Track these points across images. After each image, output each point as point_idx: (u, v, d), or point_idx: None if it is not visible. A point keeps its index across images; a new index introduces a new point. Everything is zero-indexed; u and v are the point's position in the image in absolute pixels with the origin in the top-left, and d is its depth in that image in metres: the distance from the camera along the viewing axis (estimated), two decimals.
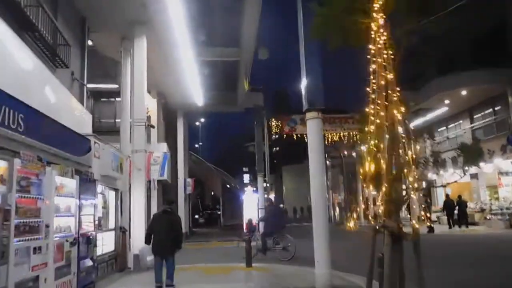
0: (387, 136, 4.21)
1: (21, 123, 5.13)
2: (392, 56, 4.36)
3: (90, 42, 11.72)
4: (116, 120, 14.81)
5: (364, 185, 4.66)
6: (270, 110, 22.58)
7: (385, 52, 4.35)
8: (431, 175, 26.32)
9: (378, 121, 4.22)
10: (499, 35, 18.92)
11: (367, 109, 4.40)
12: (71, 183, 6.53)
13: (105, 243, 9.12)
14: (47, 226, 5.59)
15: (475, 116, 22.61)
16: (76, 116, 8.65)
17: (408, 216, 18.96)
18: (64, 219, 6.35)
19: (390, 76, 4.27)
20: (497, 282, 7.29)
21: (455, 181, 19.20)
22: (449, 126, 25.29)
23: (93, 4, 9.95)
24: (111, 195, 9.76)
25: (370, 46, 4.43)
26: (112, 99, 16.04)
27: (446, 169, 24.40)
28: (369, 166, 4.36)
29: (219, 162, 47.57)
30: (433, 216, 24.19)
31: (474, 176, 22.83)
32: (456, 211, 20.34)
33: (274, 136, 30.91)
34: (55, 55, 7.84)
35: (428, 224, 18.42)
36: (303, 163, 56.33)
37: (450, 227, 20.10)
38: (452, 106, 21.75)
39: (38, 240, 5.34)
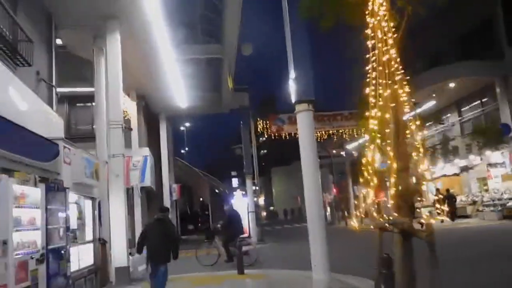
0: (390, 120, 3.67)
1: None
2: (394, 29, 3.80)
3: (59, 41, 10.96)
4: (94, 126, 13.98)
5: (367, 179, 4.07)
6: (256, 110, 21.95)
7: (385, 25, 3.79)
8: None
9: (380, 103, 3.65)
10: (485, 28, 18.81)
11: (367, 90, 3.83)
12: (35, 193, 5.78)
13: (82, 257, 8.35)
14: (4, 242, 4.84)
15: (462, 109, 22.45)
16: (43, 119, 7.86)
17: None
18: (28, 233, 5.59)
19: (392, 51, 3.71)
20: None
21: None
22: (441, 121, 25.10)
23: None
24: (87, 204, 8.99)
25: (369, 20, 3.87)
26: (89, 104, 15.21)
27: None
28: (373, 156, 3.79)
29: (206, 167, 46.81)
30: (425, 211, 23.97)
31: (464, 169, 22.66)
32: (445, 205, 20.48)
33: (261, 138, 30.30)
34: (15, 52, 7.08)
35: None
36: (291, 164, 56.15)
37: (441, 221, 20.04)
38: (439, 99, 21.53)
39: None
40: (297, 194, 55.68)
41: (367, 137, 3.90)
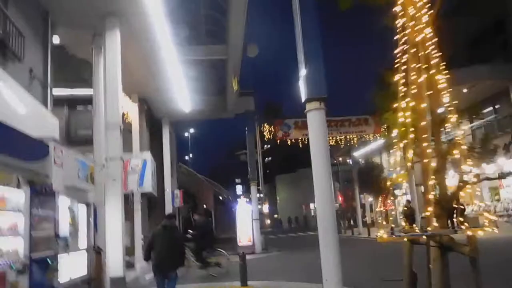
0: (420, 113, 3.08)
1: None
2: (429, 5, 3.22)
3: (57, 40, 10.51)
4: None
5: (394, 182, 3.45)
6: (262, 116, 21.39)
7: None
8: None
9: (414, 91, 3.06)
10: (498, 30, 18.20)
11: (396, 78, 3.25)
12: (18, 196, 5.23)
13: (75, 267, 7.78)
14: None
15: (474, 115, 21.70)
16: (35, 119, 7.36)
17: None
18: (7, 241, 5.03)
19: (427, 30, 3.13)
20: None
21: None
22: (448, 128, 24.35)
23: None
24: (82, 210, 8.44)
25: None
26: (90, 107, 14.73)
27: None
28: (406, 154, 3.19)
29: (210, 174, 46.27)
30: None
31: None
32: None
33: (266, 145, 29.67)
34: (3, 45, 6.59)
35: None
36: (296, 172, 55.46)
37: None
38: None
39: None
40: (302, 202, 54.94)
41: (395, 132, 3.38)
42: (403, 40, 3.23)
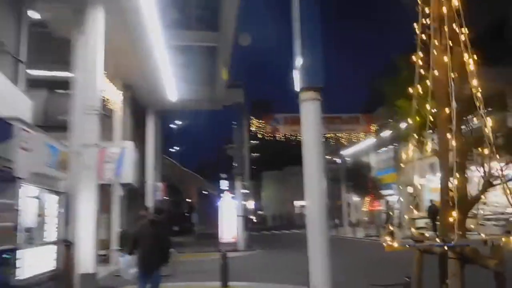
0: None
1: None
2: None
3: (37, 16, 9.75)
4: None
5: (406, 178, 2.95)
6: (251, 110, 20.77)
7: None
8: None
9: (436, 72, 2.55)
10: (498, 32, 17.95)
11: (414, 58, 2.73)
12: None
13: (40, 261, 7.13)
14: None
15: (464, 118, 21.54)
16: (3, 97, 6.66)
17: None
18: None
19: (455, 1, 2.62)
20: None
21: None
22: None
23: None
24: (51, 199, 7.76)
25: None
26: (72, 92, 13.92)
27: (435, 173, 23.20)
28: (422, 148, 2.68)
29: (195, 168, 45.54)
30: (421, 223, 23.05)
31: None
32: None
33: (253, 141, 29.14)
34: None
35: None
36: (283, 169, 55.10)
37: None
38: None
39: None
40: (287, 200, 54.67)
41: (408, 122, 2.92)
42: (425, 13, 2.72)
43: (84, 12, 9.12)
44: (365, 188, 24.84)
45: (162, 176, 23.16)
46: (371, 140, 25.46)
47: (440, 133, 2.61)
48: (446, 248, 2.54)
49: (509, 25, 17.58)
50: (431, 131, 2.69)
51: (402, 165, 2.97)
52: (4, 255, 5.20)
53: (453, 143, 2.54)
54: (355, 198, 30.06)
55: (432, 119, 2.62)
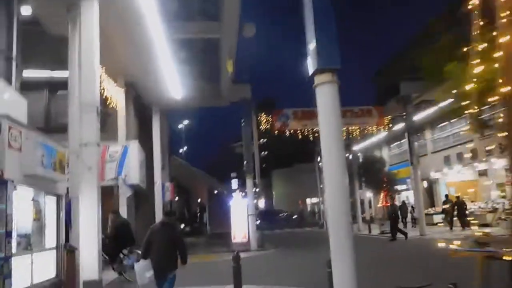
0: None
1: None
2: None
3: (29, 12, 9.31)
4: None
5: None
6: (258, 106, 20.18)
7: None
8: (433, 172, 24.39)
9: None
10: None
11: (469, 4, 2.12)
12: None
13: (38, 269, 6.66)
14: None
15: (483, 108, 20.65)
16: None
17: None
18: None
19: None
20: None
21: None
22: (453, 120, 23.34)
23: None
24: (50, 203, 7.30)
25: None
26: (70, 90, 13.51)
27: (451, 167, 22.57)
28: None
29: (206, 167, 45.16)
30: (439, 218, 22.27)
31: (483, 173, 20.93)
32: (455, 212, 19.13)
33: (262, 140, 28.46)
34: None
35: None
36: (293, 167, 54.41)
37: (451, 229, 19.13)
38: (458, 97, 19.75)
39: None
40: (298, 197, 53.99)
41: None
42: None
43: (77, 5, 8.65)
44: (379, 184, 24.08)
45: (170, 177, 22.74)
46: (383, 134, 24.69)
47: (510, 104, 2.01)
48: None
49: None
50: (495, 99, 2.08)
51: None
52: None
53: None
54: (369, 194, 29.31)
55: (501, 81, 2.01)
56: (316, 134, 19.94)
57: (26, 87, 10.13)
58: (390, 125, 20.64)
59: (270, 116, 18.85)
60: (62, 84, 13.72)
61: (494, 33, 2.14)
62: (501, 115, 2.30)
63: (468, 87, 2.54)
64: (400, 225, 21.90)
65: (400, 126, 21.83)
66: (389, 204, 18.79)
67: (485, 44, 2.22)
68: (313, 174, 32.92)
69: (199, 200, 43.36)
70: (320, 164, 30.25)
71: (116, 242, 10.33)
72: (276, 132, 19.05)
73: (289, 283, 8.71)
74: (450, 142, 23.47)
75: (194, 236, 27.94)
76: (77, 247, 7.79)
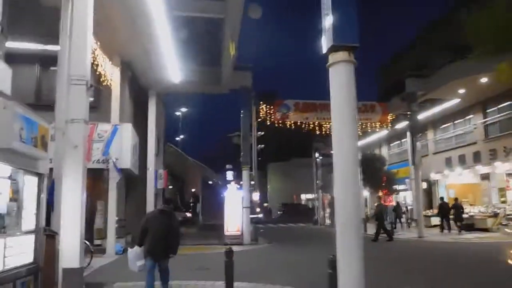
0: None
1: None
2: None
3: None
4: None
5: None
6: (258, 96, 19.52)
7: None
8: (434, 174, 23.97)
9: None
10: None
11: None
12: None
13: (13, 253, 6.06)
14: None
15: (488, 110, 20.17)
16: None
17: None
18: None
19: None
20: None
21: None
22: (456, 122, 22.85)
23: None
24: (30, 182, 6.67)
25: None
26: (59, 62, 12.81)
27: (453, 169, 22.15)
28: None
29: (201, 157, 44.56)
30: (436, 220, 21.87)
31: (485, 177, 20.49)
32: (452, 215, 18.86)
33: (259, 132, 27.85)
34: None
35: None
36: (289, 161, 53.91)
37: (441, 231, 19.18)
38: (465, 97, 19.23)
39: None
40: (293, 192, 53.61)
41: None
42: None
43: None
44: (378, 182, 23.62)
45: (164, 164, 22.15)
46: (385, 131, 24.18)
47: None
48: None
49: None
50: None
51: None
52: None
53: None
54: (367, 193, 28.87)
55: None
56: (316, 128, 19.36)
57: (16, 59, 9.50)
58: (392, 123, 20.10)
59: (270, 106, 18.22)
60: (55, 60, 13.16)
61: None
62: None
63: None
64: (398, 226, 21.51)
65: (402, 124, 21.32)
66: (375, 204, 18.35)
67: None
68: (310, 170, 32.41)
69: (193, 190, 42.85)
70: (317, 159, 29.72)
71: None
72: (276, 123, 18.44)
73: (282, 280, 8.19)
74: (452, 144, 23.02)
75: (186, 226, 27.45)
76: (57, 231, 7.24)
